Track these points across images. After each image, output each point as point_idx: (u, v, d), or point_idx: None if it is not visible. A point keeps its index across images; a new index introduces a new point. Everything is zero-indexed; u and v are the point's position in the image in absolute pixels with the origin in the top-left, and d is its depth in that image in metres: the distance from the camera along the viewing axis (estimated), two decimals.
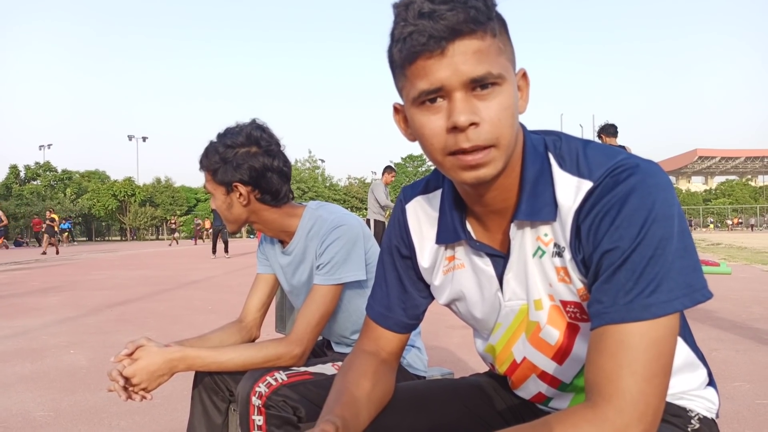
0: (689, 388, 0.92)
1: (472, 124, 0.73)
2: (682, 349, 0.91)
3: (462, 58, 0.72)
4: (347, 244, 1.45)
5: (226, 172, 1.44)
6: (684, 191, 73.67)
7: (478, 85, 0.73)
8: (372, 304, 1.04)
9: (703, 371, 0.94)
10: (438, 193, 0.97)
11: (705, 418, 0.91)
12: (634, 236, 0.72)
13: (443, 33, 0.71)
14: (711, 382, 0.96)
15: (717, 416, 0.94)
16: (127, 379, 1.30)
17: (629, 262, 0.71)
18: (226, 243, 16.04)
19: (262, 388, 1.28)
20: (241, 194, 1.46)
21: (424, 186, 1.00)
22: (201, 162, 1.49)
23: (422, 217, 0.99)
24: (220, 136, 1.45)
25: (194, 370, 1.39)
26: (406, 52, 0.74)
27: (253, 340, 1.66)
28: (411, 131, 0.82)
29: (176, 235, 33.95)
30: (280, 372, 1.32)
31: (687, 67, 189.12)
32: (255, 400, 1.27)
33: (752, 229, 55.91)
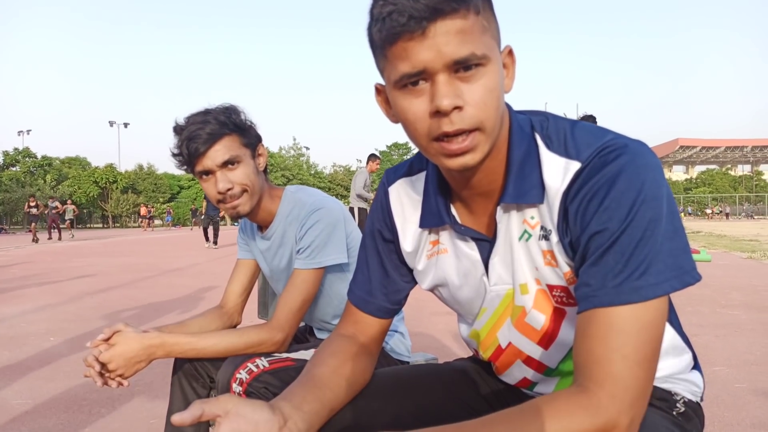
0: (675, 371, 0.91)
1: (456, 107, 0.71)
2: (668, 332, 0.90)
3: (444, 39, 0.69)
4: (327, 227, 1.42)
5: (250, 132, 1.40)
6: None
7: (462, 66, 0.71)
8: (353, 288, 1.02)
9: (689, 355, 0.94)
10: (422, 175, 0.94)
11: (690, 401, 0.90)
12: (623, 217, 0.70)
13: (424, 13, 0.68)
14: (696, 366, 0.95)
15: (702, 399, 0.93)
16: (103, 365, 1.26)
17: (618, 243, 0.70)
18: (216, 232, 14.84)
19: (242, 374, 1.25)
20: (260, 155, 1.44)
21: (408, 168, 0.97)
22: (225, 124, 1.34)
23: (405, 201, 0.96)
24: (204, 112, 1.38)
25: (173, 357, 1.36)
26: (386, 33, 0.71)
27: (235, 326, 1.63)
28: (393, 113, 0.80)
29: (151, 222, 33.90)
30: (262, 358, 1.29)
31: (670, 57, 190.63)
32: (236, 387, 1.25)
33: (727, 218, 56.74)
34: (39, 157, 55.11)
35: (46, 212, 21.44)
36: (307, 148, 66.21)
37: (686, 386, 0.91)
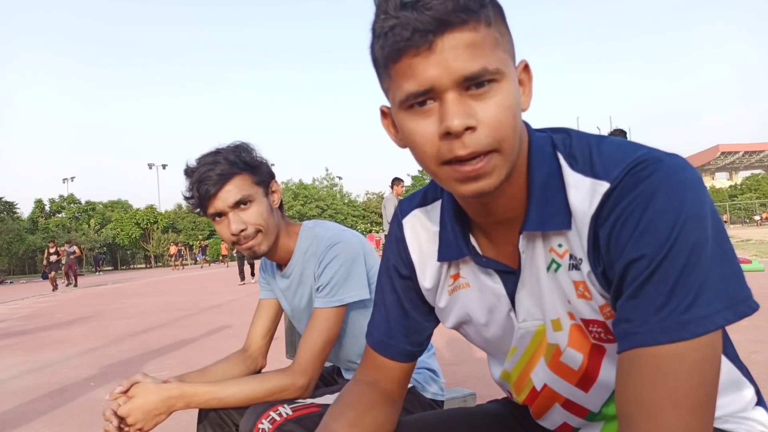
0: (735, 410, 0.80)
1: (468, 128, 0.64)
2: (724, 365, 0.79)
3: (453, 54, 0.63)
4: (346, 263, 1.36)
5: (262, 169, 1.37)
6: (708, 188, 72.30)
7: (473, 83, 0.64)
8: (371, 330, 0.95)
9: (750, 389, 0.83)
10: (437, 204, 0.87)
11: None
12: (663, 242, 0.61)
13: (430, 25, 0.62)
14: (760, 401, 0.84)
15: None
16: (122, 419, 1.22)
17: (659, 272, 0.61)
18: (252, 265, 14.01)
19: (265, 424, 1.19)
20: (274, 192, 1.40)
21: (422, 197, 0.90)
22: (235, 164, 1.31)
23: (421, 233, 0.89)
24: (214, 152, 1.35)
25: (193, 408, 1.30)
26: (389, 49, 0.65)
27: (260, 370, 1.58)
28: (401, 137, 0.73)
29: (181, 260, 34.38)
30: (285, 406, 1.23)
31: (704, 62, 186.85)
32: None
33: None
34: (83, 202, 57.18)
35: (63, 258, 19.88)
36: (340, 178, 66.79)
37: (750, 426, 0.80)
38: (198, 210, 1.34)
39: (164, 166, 66.38)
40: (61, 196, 56.84)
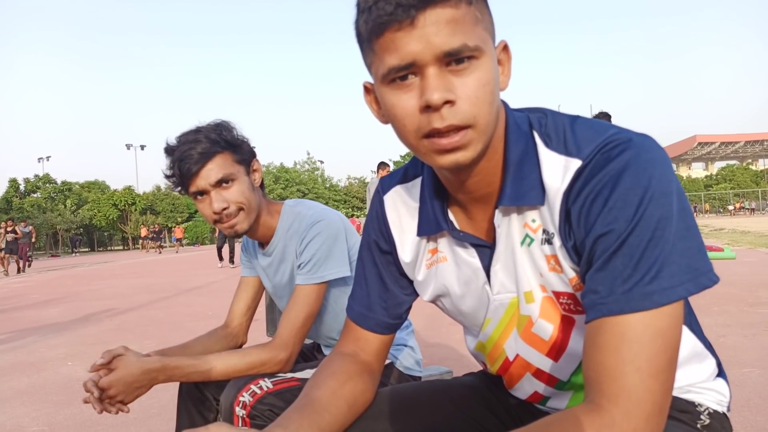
0: (697, 380, 0.85)
1: (447, 102, 0.66)
2: (688, 338, 0.84)
3: (434, 29, 0.65)
4: (328, 240, 1.38)
5: (243, 148, 1.37)
6: (685, 178, 73.46)
7: (453, 59, 0.66)
8: (351, 304, 0.98)
9: (712, 361, 0.87)
10: (417, 181, 0.90)
11: (715, 412, 0.84)
12: (630, 217, 0.64)
13: (412, 1, 0.64)
14: (720, 373, 0.88)
15: (728, 409, 0.87)
16: (102, 391, 1.23)
17: (626, 246, 0.64)
18: (232, 249, 13.45)
19: (246, 397, 1.21)
20: (255, 170, 1.41)
21: (403, 175, 0.93)
22: (216, 142, 1.31)
23: (401, 209, 0.91)
24: (194, 130, 1.34)
25: (175, 381, 1.32)
26: (372, 24, 0.67)
27: (240, 346, 1.60)
28: (383, 112, 0.75)
29: (158, 243, 33.69)
30: (266, 379, 1.25)
31: (683, 54, 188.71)
32: (239, 410, 1.20)
33: (752, 213, 55.61)
34: (59, 182, 56.14)
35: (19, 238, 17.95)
36: (321, 162, 66.50)
37: (711, 396, 0.85)
38: (179, 189, 1.34)
39: (142, 147, 65.30)
40: (36, 176, 55.71)
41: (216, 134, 1.32)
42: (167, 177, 1.34)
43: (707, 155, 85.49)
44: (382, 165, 9.81)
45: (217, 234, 14.22)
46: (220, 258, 13.99)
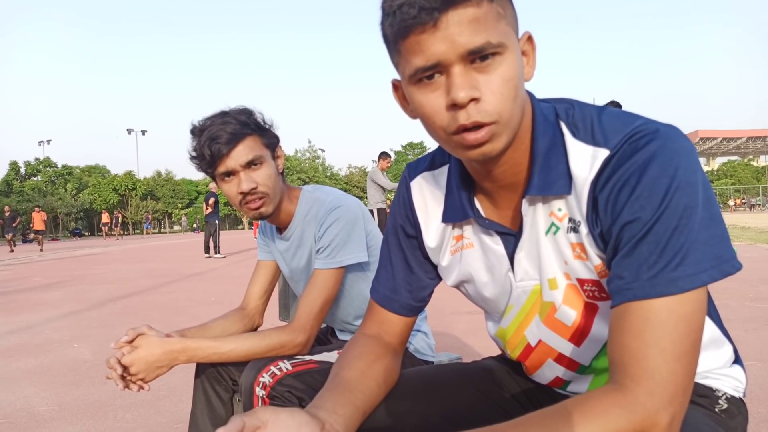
0: (715, 366, 0.87)
1: (473, 99, 0.69)
2: (707, 325, 0.86)
3: (457, 29, 0.67)
4: (347, 226, 1.40)
5: (270, 133, 1.40)
6: None
7: (477, 56, 0.68)
8: (376, 286, 1.00)
9: (729, 348, 0.90)
10: (444, 169, 0.92)
11: (733, 397, 0.86)
12: (657, 206, 0.67)
13: (435, 3, 0.66)
14: (737, 360, 0.91)
15: (744, 395, 0.89)
16: (125, 368, 1.26)
17: (652, 233, 0.67)
18: (217, 242, 12.88)
19: (266, 378, 1.24)
20: (279, 156, 1.43)
21: (430, 162, 0.95)
22: (246, 124, 1.33)
23: (428, 195, 0.94)
24: (222, 113, 1.37)
25: (195, 362, 1.35)
26: (398, 27, 0.69)
27: (256, 328, 1.62)
28: (411, 109, 0.78)
29: (117, 229, 33.30)
30: (285, 361, 1.28)
31: (687, 49, 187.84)
32: (259, 391, 1.23)
33: (752, 209, 55.67)
34: (59, 166, 56.11)
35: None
36: (323, 151, 66.47)
37: (728, 381, 0.87)
38: (206, 169, 1.36)
39: (143, 132, 65.25)
40: (36, 159, 55.70)
41: (245, 116, 1.35)
42: (193, 158, 1.36)
43: (709, 150, 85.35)
44: (383, 155, 9.82)
45: (205, 222, 13.24)
46: (206, 249, 13.15)
